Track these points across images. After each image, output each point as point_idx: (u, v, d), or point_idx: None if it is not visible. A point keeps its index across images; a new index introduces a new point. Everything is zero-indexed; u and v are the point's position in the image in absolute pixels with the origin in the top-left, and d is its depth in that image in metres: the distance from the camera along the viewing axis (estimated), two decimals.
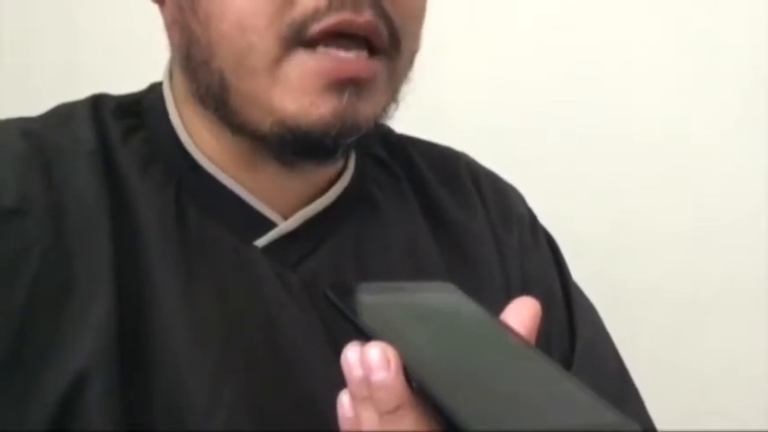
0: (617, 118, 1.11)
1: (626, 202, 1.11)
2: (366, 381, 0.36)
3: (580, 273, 0.69)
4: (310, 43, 0.48)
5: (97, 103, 0.57)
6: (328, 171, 0.58)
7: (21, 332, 0.47)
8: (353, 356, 0.37)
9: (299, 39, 0.48)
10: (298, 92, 0.49)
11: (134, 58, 1.04)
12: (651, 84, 1.10)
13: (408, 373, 0.36)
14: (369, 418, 0.37)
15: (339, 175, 0.59)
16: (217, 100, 0.52)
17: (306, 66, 0.49)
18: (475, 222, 0.64)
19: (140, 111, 0.58)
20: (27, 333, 0.47)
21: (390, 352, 0.36)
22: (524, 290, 0.61)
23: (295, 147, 0.51)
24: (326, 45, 0.48)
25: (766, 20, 1.06)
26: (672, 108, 1.10)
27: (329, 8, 0.48)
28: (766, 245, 1.08)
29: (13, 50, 1.22)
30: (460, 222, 0.63)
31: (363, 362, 0.36)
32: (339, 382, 0.38)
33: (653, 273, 1.11)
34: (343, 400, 0.38)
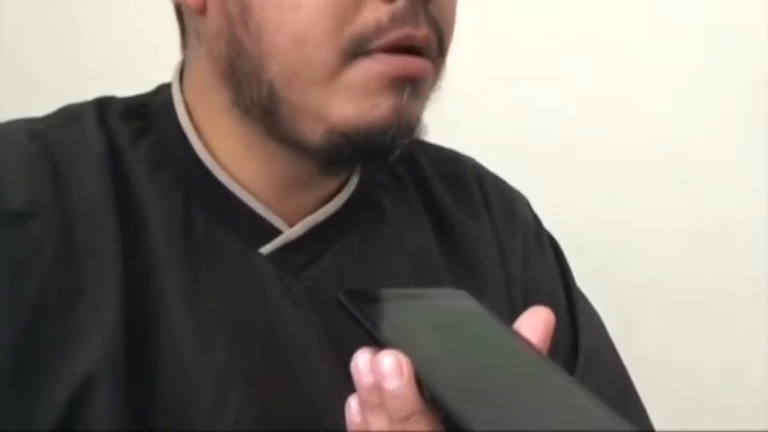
0: (617, 119, 1.11)
1: (626, 202, 1.12)
2: (376, 388, 0.36)
3: (580, 272, 0.69)
4: (370, 53, 0.49)
5: (103, 105, 0.57)
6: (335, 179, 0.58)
7: (28, 336, 0.47)
8: (363, 363, 0.37)
9: (360, 51, 0.49)
10: (360, 95, 0.49)
11: (136, 58, 1.04)
12: (652, 84, 1.10)
13: (421, 382, 0.36)
14: (378, 424, 0.37)
15: (345, 181, 0.59)
16: (263, 112, 0.51)
17: (369, 70, 0.49)
18: (479, 227, 0.64)
19: (147, 113, 0.57)
20: (35, 337, 0.47)
21: (403, 360, 0.36)
22: (526, 295, 0.61)
23: (350, 152, 0.51)
24: (387, 53, 0.49)
25: (766, 20, 1.06)
26: (672, 108, 1.10)
27: (392, 23, 0.48)
28: (766, 245, 1.08)
29: (14, 50, 1.22)
30: (465, 227, 0.63)
31: (376, 369, 0.36)
32: (341, 388, 0.39)
33: (653, 272, 1.11)
34: (351, 405, 0.39)
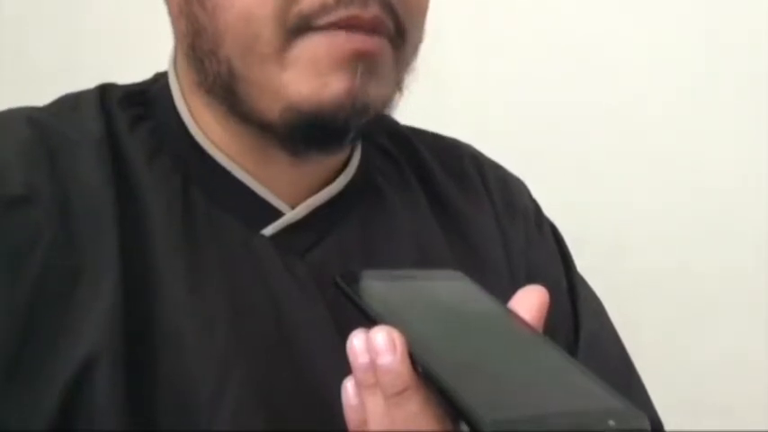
0: (618, 118, 1.11)
1: (626, 200, 1.12)
2: (372, 367, 0.36)
3: (580, 270, 0.69)
4: (318, 29, 0.49)
5: (104, 92, 0.57)
6: (334, 161, 0.58)
7: (29, 320, 0.47)
8: (359, 343, 0.37)
9: (305, 28, 0.49)
10: (310, 73, 0.49)
11: (136, 50, 1.04)
12: (653, 84, 1.10)
13: (414, 358, 0.36)
14: (374, 403, 0.37)
15: (345, 165, 0.59)
16: (225, 89, 0.52)
17: (317, 45, 0.49)
18: (480, 213, 0.64)
19: (146, 100, 0.58)
20: (35, 321, 0.47)
21: (396, 335, 0.36)
22: (529, 280, 0.60)
23: (306, 132, 0.51)
24: (336, 29, 0.49)
25: (766, 20, 1.06)
26: (673, 108, 1.10)
27: (338, 3, 0.48)
28: (766, 244, 1.08)
29: (15, 48, 1.22)
30: (465, 213, 0.63)
31: (369, 346, 0.36)
32: (347, 369, 0.39)
33: (653, 271, 1.11)
34: (347, 386, 0.39)
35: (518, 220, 0.65)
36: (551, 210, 0.71)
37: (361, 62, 0.49)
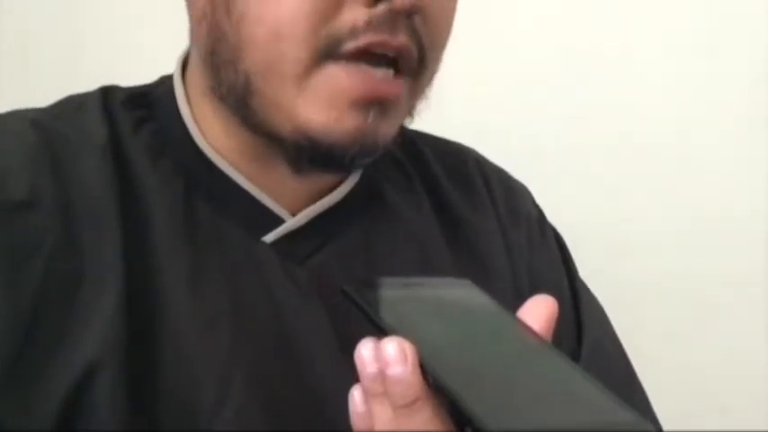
0: (617, 117, 1.11)
1: (625, 202, 1.12)
2: (380, 376, 0.36)
3: (580, 272, 0.69)
4: (341, 58, 0.49)
5: (107, 94, 0.57)
6: None
7: (31, 324, 0.47)
8: (367, 352, 0.37)
9: (332, 53, 0.48)
10: (325, 105, 0.49)
11: (139, 51, 1.04)
12: (652, 84, 1.10)
13: (424, 369, 0.36)
14: (382, 412, 0.37)
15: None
16: (239, 100, 0.52)
17: (336, 79, 0.49)
18: (484, 219, 0.64)
19: (149, 102, 0.57)
20: (38, 325, 0.47)
21: (407, 346, 0.36)
22: (532, 287, 0.61)
23: (312, 155, 0.51)
24: (357, 60, 0.49)
25: (766, 20, 1.07)
26: (672, 108, 1.10)
27: (367, 27, 0.48)
28: (766, 244, 1.08)
29: (16, 49, 1.22)
30: (469, 218, 0.63)
31: (379, 356, 0.36)
32: (346, 376, 0.39)
33: (652, 272, 1.11)
34: (355, 395, 0.39)
35: (521, 226, 0.65)
36: (549, 212, 0.71)
37: (376, 106, 0.50)
